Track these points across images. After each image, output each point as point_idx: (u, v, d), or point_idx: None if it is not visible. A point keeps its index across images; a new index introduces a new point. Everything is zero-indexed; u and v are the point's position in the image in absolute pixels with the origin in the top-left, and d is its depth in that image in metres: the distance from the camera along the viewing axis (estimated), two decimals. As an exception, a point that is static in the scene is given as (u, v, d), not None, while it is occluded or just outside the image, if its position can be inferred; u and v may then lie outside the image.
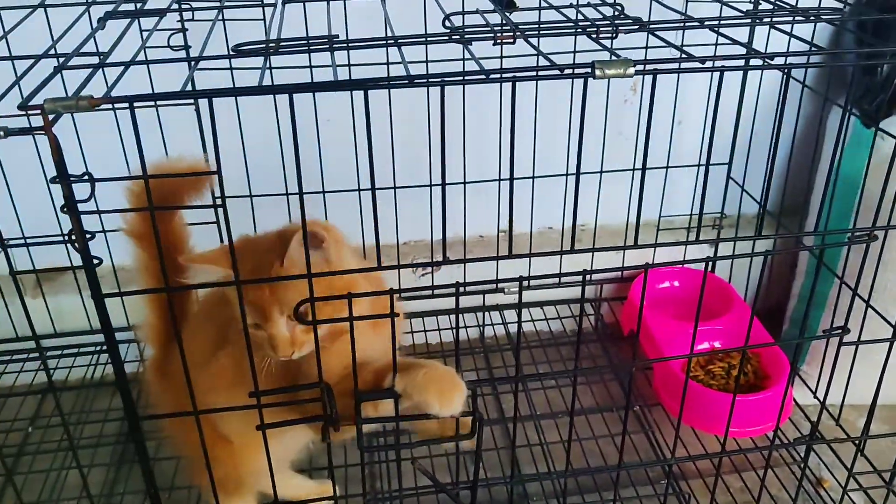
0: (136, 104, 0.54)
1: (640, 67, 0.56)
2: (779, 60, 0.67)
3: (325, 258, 0.67)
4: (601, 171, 1.21)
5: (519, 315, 0.65)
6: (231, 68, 1.05)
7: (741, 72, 1.14)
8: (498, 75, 0.55)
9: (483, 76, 0.56)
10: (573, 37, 0.83)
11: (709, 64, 0.59)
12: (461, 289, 0.62)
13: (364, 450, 0.69)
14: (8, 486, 1.01)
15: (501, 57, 0.85)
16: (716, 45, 1.07)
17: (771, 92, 1.17)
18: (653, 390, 1.14)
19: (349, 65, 1.05)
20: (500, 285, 1.26)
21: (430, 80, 0.55)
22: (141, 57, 0.66)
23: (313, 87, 0.56)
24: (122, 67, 0.60)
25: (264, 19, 1.05)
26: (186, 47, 1.05)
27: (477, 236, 1.35)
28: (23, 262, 1.20)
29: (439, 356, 1.23)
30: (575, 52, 1.07)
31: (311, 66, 1.04)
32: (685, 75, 1.23)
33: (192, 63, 0.61)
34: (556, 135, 1.18)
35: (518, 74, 0.56)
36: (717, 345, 1.16)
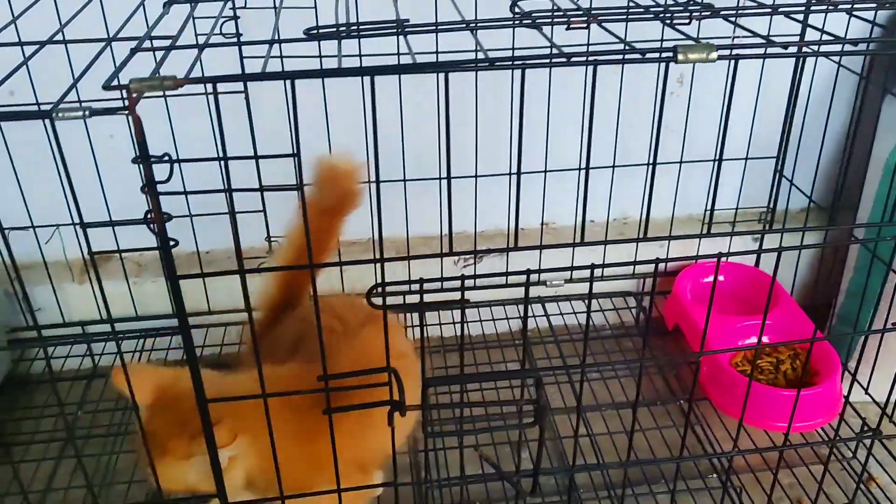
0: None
1: (722, 52, 0.56)
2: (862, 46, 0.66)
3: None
4: (650, 164, 1.19)
5: (588, 305, 0.64)
6: (281, 56, 1.06)
7: (794, 60, 1.13)
8: (580, 59, 0.54)
9: (564, 59, 0.55)
10: (635, 22, 0.82)
11: (792, 50, 0.58)
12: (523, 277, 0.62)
13: (429, 435, 0.69)
14: (59, 467, 1.02)
15: (551, 46, 0.85)
16: (768, 33, 1.06)
17: (824, 80, 1.16)
18: (699, 384, 1.13)
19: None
20: (543, 277, 1.26)
21: (512, 63, 0.54)
22: (207, 41, 0.66)
23: (395, 70, 0.55)
24: (188, 50, 0.61)
25: (315, 7, 1.05)
26: (238, 35, 1.05)
27: (521, 229, 1.34)
28: (70, 250, 1.22)
29: (482, 348, 1.22)
30: (625, 40, 1.06)
31: (360, 56, 1.04)
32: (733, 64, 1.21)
33: (269, 46, 0.61)
34: (599, 125, 1.17)
35: (600, 58, 0.55)
36: (765, 339, 1.14)
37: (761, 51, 0.57)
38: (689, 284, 1.24)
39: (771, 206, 1.27)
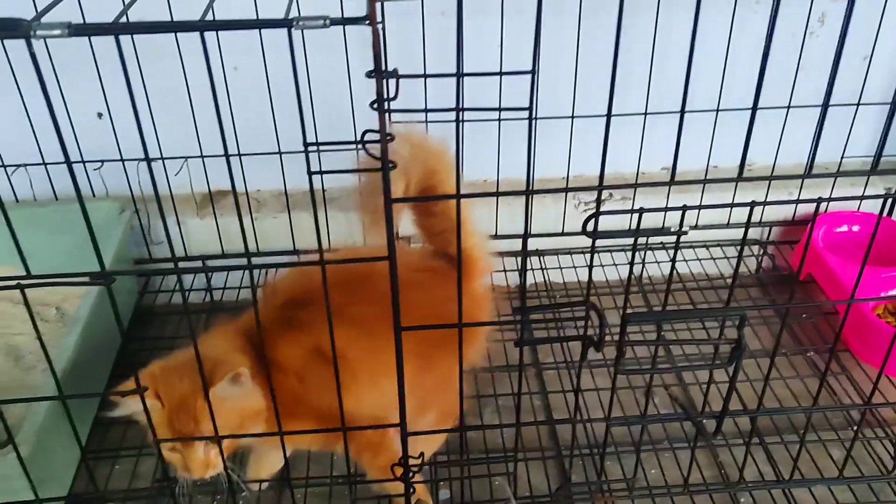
0: None
1: None
2: None
3: (243, 392, 0.71)
4: (788, 107, 1.14)
5: (803, 257, 0.61)
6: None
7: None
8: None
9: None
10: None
11: None
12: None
13: (620, 372, 0.68)
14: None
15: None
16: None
17: None
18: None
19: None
20: (667, 224, 1.22)
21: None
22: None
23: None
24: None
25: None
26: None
27: (640, 173, 1.30)
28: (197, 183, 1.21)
29: (607, 293, 1.20)
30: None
31: None
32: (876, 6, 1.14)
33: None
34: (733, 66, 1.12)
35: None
36: (910, 291, 1.11)
37: None
38: (821, 234, 1.21)
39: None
